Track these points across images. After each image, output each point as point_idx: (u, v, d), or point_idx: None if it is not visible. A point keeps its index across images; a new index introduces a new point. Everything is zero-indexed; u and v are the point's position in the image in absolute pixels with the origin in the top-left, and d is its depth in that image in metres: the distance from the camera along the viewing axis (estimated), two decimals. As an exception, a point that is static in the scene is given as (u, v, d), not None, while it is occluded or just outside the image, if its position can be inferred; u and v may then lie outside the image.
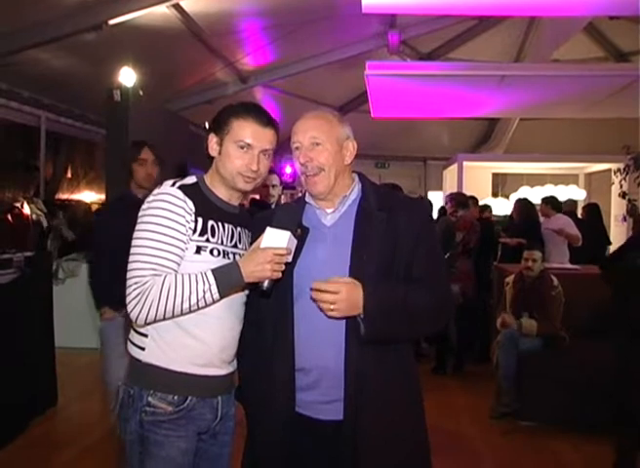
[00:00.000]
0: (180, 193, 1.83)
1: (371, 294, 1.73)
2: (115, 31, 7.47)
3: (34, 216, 7.61)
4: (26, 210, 7.54)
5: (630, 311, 3.65)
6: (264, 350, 1.89)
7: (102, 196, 8.46)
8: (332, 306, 1.70)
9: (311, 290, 1.73)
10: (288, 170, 12.28)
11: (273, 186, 4.55)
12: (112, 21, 7.33)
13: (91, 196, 11.21)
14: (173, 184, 1.86)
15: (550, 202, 7.28)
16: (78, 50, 8.04)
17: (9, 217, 7.41)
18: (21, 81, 8.78)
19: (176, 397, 1.85)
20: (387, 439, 1.82)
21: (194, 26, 8.32)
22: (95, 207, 9.59)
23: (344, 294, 1.70)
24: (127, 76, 7.32)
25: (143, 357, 1.87)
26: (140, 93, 7.07)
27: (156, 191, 1.86)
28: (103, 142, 8.48)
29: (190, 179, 1.93)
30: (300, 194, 2.26)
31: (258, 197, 4.45)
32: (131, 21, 7.51)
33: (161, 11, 7.54)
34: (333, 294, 1.69)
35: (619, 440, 3.67)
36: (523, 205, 7.39)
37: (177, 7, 7.67)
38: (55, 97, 9.74)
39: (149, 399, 1.84)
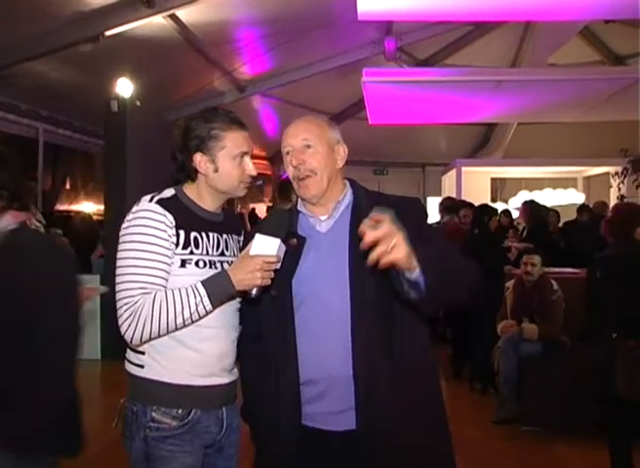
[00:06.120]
0: (158, 208, 1.81)
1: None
2: (112, 42, 7.48)
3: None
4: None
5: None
6: (267, 364, 1.84)
7: (102, 207, 8.44)
8: (392, 242, 1.46)
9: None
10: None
11: None
12: (109, 33, 7.34)
13: (90, 207, 11.20)
14: (151, 199, 1.84)
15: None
16: (75, 61, 8.05)
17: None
18: (19, 93, 8.80)
19: (180, 411, 1.83)
20: (405, 447, 1.74)
21: (191, 36, 8.34)
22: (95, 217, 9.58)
23: (398, 232, 1.49)
24: (124, 87, 7.34)
25: (143, 374, 1.86)
26: (138, 103, 7.09)
27: (135, 208, 1.83)
28: (102, 153, 8.48)
29: (168, 192, 1.90)
30: None
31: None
32: (127, 32, 7.52)
33: (157, 21, 7.56)
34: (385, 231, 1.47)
35: (611, 441, 3.62)
36: (532, 207, 7.15)
37: (173, 17, 7.68)
38: (53, 109, 9.76)
39: (153, 414, 1.82)
